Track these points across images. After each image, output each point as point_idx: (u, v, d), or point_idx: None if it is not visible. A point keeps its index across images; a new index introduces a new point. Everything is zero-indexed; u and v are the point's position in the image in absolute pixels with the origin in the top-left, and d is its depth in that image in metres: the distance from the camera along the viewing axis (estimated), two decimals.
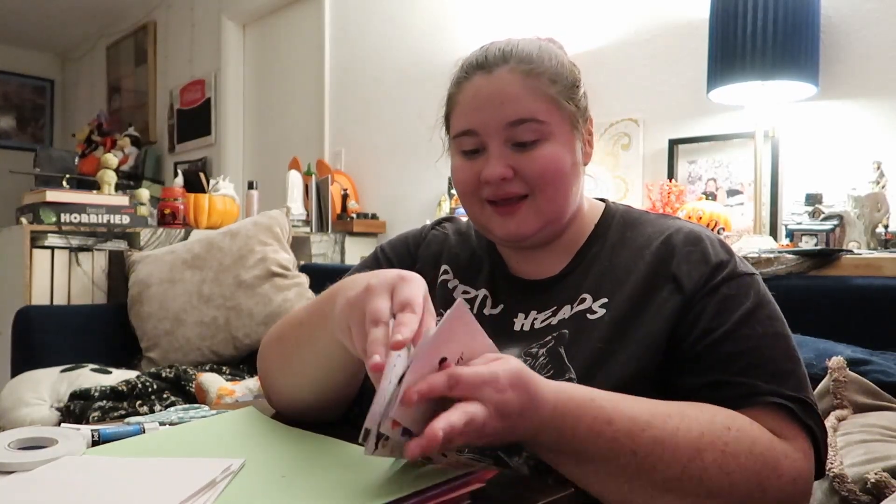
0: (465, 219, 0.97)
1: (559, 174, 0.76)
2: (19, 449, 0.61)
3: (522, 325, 0.79)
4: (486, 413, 0.53)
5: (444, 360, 0.55)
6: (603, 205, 0.86)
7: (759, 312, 0.71)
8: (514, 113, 0.74)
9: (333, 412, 0.79)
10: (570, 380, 0.70)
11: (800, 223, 1.53)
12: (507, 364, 0.55)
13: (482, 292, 0.84)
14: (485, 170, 0.76)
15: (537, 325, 0.78)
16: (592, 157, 0.84)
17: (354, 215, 2.81)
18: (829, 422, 0.98)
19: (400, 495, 0.51)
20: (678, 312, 0.71)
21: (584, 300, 0.76)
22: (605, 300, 0.75)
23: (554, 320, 0.77)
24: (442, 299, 0.85)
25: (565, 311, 0.77)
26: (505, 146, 0.76)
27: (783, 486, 0.62)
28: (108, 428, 0.69)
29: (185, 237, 2.43)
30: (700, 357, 0.69)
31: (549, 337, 0.76)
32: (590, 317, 0.75)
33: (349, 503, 0.53)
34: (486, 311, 0.82)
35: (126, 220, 2.41)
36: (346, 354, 0.66)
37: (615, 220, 0.83)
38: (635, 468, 0.59)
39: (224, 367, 1.99)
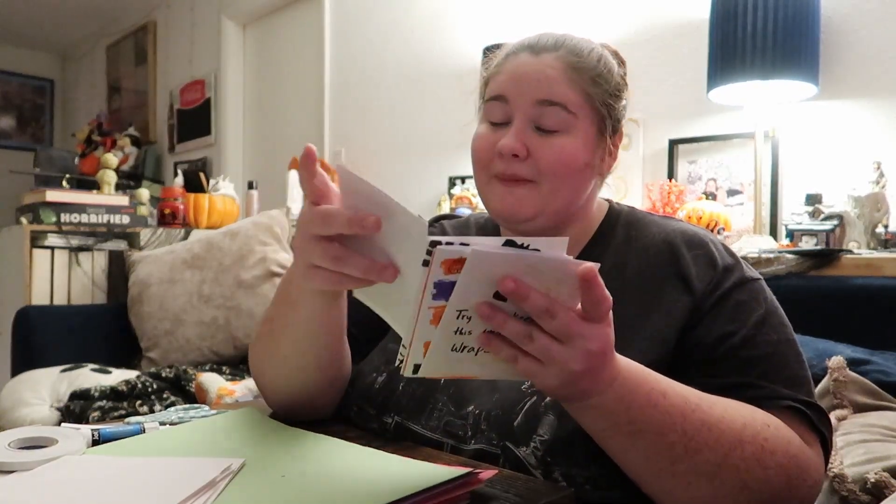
0: (462, 217, 0.97)
1: (569, 169, 0.76)
2: (19, 449, 0.61)
3: None
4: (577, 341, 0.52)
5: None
6: (607, 204, 0.87)
7: (772, 319, 0.72)
8: (547, 93, 0.75)
9: (324, 402, 0.80)
10: None
11: (800, 223, 1.53)
12: (610, 318, 0.55)
13: None
14: (501, 140, 0.76)
15: None
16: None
17: None
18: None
19: (400, 496, 0.51)
20: (689, 314, 0.72)
21: None
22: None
23: None
24: None
25: None
26: (527, 125, 0.76)
27: (809, 488, 0.64)
28: (108, 428, 0.69)
29: (185, 237, 2.43)
30: (718, 361, 0.70)
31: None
32: None
33: (349, 503, 0.53)
34: None
35: (126, 220, 2.41)
36: (321, 332, 0.71)
37: (620, 220, 0.83)
38: (682, 448, 0.59)
39: (224, 367, 1.99)
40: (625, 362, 0.58)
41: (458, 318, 0.53)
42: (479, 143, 0.80)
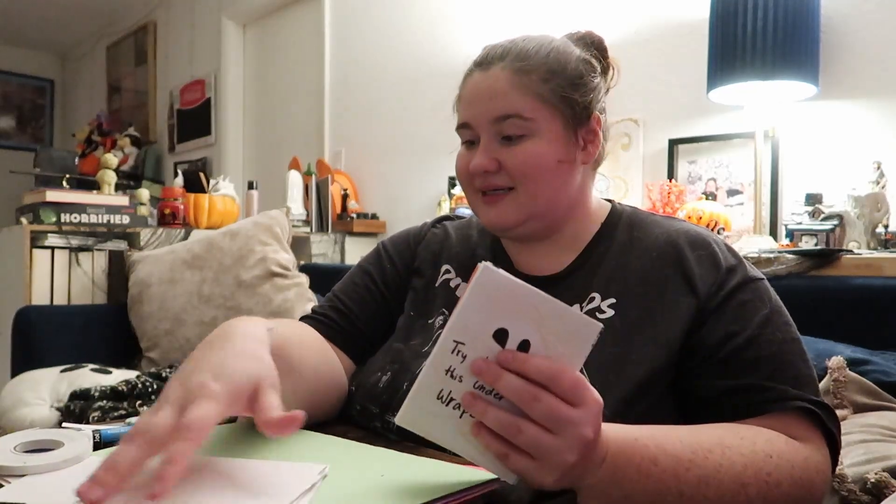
0: (465, 217, 0.98)
1: (540, 170, 0.77)
2: (25, 452, 0.61)
3: None
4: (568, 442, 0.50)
5: (503, 332, 0.50)
6: (609, 205, 0.87)
7: (776, 318, 0.72)
8: (501, 108, 0.77)
9: (319, 416, 0.79)
10: None
11: (800, 223, 1.53)
12: (596, 395, 0.52)
13: None
14: (472, 161, 0.79)
15: None
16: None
17: (354, 215, 2.81)
18: None
19: (425, 499, 0.51)
20: (693, 316, 0.72)
21: (592, 299, 0.77)
22: (613, 300, 0.76)
23: None
24: (445, 299, 0.85)
25: None
26: (493, 140, 0.78)
27: (816, 501, 0.64)
28: (109, 429, 0.69)
29: (185, 237, 2.43)
30: (723, 362, 0.70)
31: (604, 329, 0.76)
32: (599, 316, 0.75)
33: None
34: None
35: (126, 220, 2.41)
36: None
37: (622, 220, 0.84)
38: None
39: None
40: (612, 433, 0.56)
41: (453, 351, 0.51)
42: (458, 164, 0.83)
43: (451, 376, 0.51)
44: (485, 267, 0.49)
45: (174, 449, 0.48)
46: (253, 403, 0.54)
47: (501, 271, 0.49)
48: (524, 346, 0.50)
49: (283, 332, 0.70)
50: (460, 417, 0.53)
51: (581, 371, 0.70)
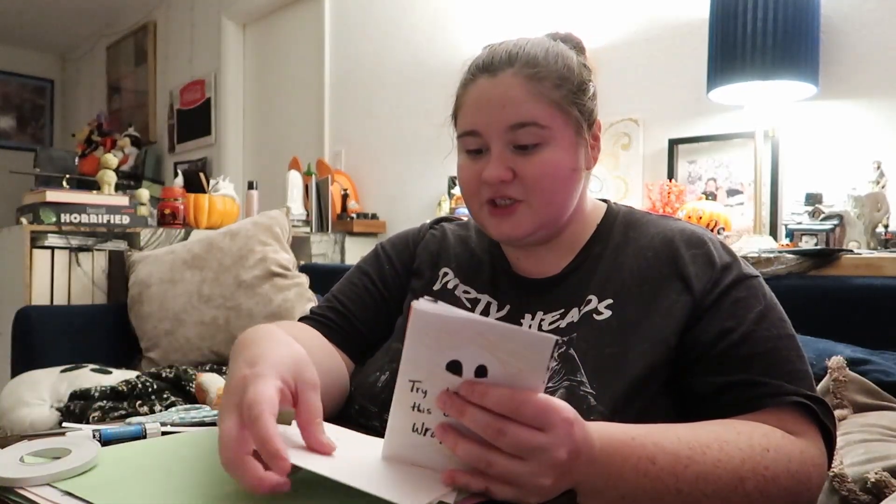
0: (464, 218, 0.98)
1: (557, 180, 0.76)
2: (31, 461, 0.60)
3: (530, 325, 0.79)
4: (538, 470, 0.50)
5: (456, 363, 0.50)
6: (605, 205, 0.87)
7: (771, 315, 0.72)
8: (516, 116, 0.75)
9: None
10: (580, 383, 0.71)
11: (800, 223, 1.53)
12: (565, 414, 0.51)
13: (485, 298, 0.84)
14: (485, 171, 0.76)
15: (545, 326, 0.78)
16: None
17: (354, 215, 2.81)
18: None
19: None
20: (689, 313, 0.72)
21: (589, 301, 0.77)
22: (610, 301, 0.76)
23: (562, 323, 0.77)
24: (444, 301, 0.85)
25: (573, 315, 0.77)
26: (506, 149, 0.76)
27: (812, 495, 0.65)
28: (109, 428, 0.69)
29: (185, 237, 2.43)
30: (719, 358, 0.70)
31: (559, 340, 0.76)
32: (596, 317, 0.75)
33: None
34: (493, 316, 0.83)
35: (126, 220, 2.41)
36: None
37: (617, 221, 0.84)
38: None
39: (224, 367, 1.99)
40: (606, 435, 0.56)
41: (412, 390, 0.51)
42: (464, 174, 0.80)
43: (419, 410, 0.52)
44: (416, 309, 0.49)
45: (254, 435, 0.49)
46: (295, 399, 0.55)
47: (437, 308, 0.49)
48: (482, 370, 0.50)
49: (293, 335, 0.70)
50: (441, 443, 0.53)
51: (579, 378, 0.70)
